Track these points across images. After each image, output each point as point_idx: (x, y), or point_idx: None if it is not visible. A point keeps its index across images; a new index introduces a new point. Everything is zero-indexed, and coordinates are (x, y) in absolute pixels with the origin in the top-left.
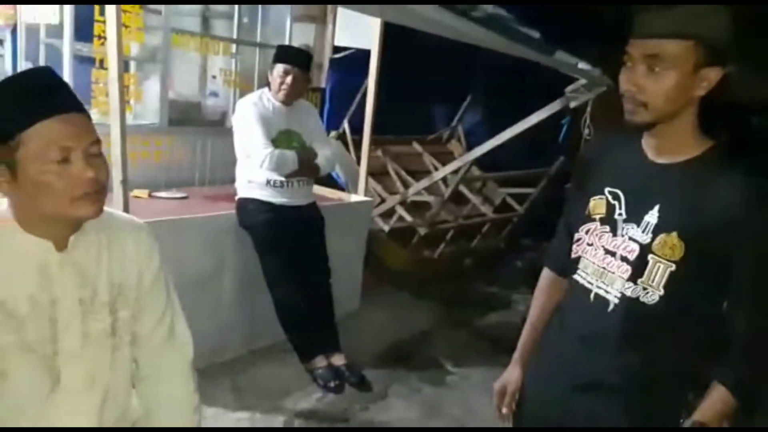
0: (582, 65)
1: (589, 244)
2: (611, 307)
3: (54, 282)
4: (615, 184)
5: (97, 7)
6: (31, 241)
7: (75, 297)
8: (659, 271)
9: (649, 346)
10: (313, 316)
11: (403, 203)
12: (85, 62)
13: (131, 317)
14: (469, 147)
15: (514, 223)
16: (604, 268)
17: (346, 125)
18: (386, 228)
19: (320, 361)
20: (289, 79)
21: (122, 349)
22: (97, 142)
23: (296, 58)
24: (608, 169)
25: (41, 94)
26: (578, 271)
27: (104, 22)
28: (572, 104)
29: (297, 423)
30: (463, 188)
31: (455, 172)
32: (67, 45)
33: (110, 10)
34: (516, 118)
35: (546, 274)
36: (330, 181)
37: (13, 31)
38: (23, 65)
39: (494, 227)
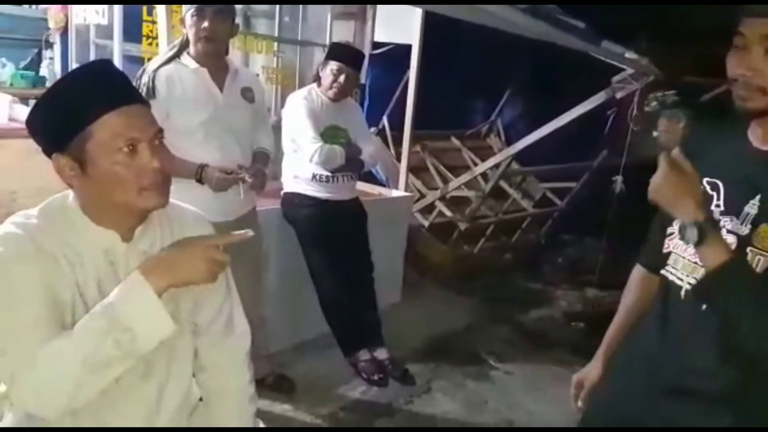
0: (629, 54)
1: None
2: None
3: (119, 271)
4: (714, 174)
5: (144, 8)
6: (97, 232)
7: None
8: (759, 263)
9: None
10: (356, 310)
11: (442, 198)
12: (133, 62)
13: (193, 306)
14: (508, 141)
15: (554, 219)
16: (695, 262)
17: (385, 121)
18: (426, 223)
19: (364, 355)
20: (342, 78)
21: (184, 338)
22: (160, 132)
23: (352, 57)
24: (708, 158)
25: (106, 87)
26: (667, 267)
27: (153, 22)
28: (618, 95)
29: (342, 415)
30: (503, 183)
31: (495, 166)
32: (116, 45)
33: (161, 12)
34: (556, 112)
35: (636, 271)
36: (369, 177)
37: (63, 33)
38: (74, 66)
39: (534, 222)
